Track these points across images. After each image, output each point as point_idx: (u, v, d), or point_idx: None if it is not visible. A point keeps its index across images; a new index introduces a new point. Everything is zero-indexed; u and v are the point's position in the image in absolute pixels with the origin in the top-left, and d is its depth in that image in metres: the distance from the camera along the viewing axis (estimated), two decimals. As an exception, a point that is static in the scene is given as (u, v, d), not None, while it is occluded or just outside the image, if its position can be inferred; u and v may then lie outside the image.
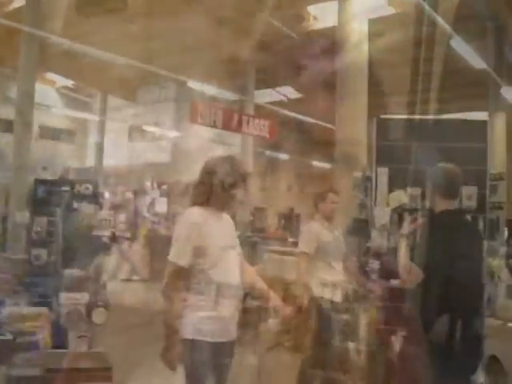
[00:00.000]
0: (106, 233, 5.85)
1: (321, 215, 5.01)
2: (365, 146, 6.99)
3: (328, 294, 4.75)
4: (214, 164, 3.10)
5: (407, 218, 3.96)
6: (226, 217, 3.19)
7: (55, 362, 3.74)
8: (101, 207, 5.88)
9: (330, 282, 4.76)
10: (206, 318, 2.95)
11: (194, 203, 3.08)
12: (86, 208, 5.48)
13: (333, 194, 5.03)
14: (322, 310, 4.75)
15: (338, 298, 4.79)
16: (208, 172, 3.08)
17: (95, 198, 5.78)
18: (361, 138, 7.14)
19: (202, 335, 2.94)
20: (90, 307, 5.24)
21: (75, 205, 5.55)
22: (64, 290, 5.16)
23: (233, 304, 3.05)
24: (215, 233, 3.01)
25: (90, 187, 5.68)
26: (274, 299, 3.26)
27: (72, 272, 5.26)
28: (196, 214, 3.03)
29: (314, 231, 4.96)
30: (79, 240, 5.35)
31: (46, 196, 6.53)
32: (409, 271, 3.41)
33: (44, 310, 5.20)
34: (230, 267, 3.05)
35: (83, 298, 5.16)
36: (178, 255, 2.95)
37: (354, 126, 7.22)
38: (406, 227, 3.74)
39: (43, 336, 4.11)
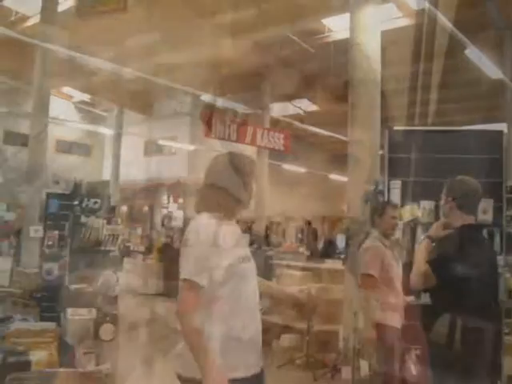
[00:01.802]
0: (117, 247, 5.78)
1: (379, 231, 4.60)
2: (377, 158, 6.89)
3: (391, 319, 4.40)
4: (221, 162, 2.81)
5: (439, 221, 3.75)
6: (235, 225, 2.84)
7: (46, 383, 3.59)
8: (110, 221, 5.81)
9: (392, 306, 4.40)
10: (229, 344, 2.53)
11: (202, 209, 2.74)
12: (94, 222, 5.44)
13: (391, 207, 4.67)
14: (387, 338, 4.39)
15: (398, 323, 4.44)
16: (215, 172, 2.80)
17: (104, 212, 5.74)
18: (373, 150, 7.03)
19: (230, 370, 2.47)
20: (98, 323, 5.19)
21: (83, 219, 5.51)
22: (71, 306, 5.12)
23: (255, 324, 2.70)
24: (231, 243, 2.65)
25: (99, 201, 5.65)
26: (288, 290, 3.13)
27: (79, 287, 5.22)
28: (208, 221, 2.64)
29: (377, 251, 4.51)
30: (87, 255, 5.31)
31: (57, 210, 6.53)
32: (423, 273, 3.30)
33: (52, 325, 5.16)
34: (249, 282, 2.71)
35: (90, 313, 5.11)
36: (195, 272, 2.51)
37: (366, 138, 7.12)
38: (435, 230, 3.59)
39: (42, 355, 4.00)
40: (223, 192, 2.72)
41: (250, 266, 2.76)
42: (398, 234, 4.80)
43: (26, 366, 3.50)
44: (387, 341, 4.37)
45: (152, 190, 19.59)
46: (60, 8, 12.04)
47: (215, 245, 2.56)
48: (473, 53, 8.90)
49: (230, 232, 2.69)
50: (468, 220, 3.36)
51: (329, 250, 12.73)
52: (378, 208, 4.71)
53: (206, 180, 2.81)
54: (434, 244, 3.45)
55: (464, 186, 3.43)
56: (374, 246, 4.57)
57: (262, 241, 14.35)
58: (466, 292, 3.09)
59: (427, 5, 8.06)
